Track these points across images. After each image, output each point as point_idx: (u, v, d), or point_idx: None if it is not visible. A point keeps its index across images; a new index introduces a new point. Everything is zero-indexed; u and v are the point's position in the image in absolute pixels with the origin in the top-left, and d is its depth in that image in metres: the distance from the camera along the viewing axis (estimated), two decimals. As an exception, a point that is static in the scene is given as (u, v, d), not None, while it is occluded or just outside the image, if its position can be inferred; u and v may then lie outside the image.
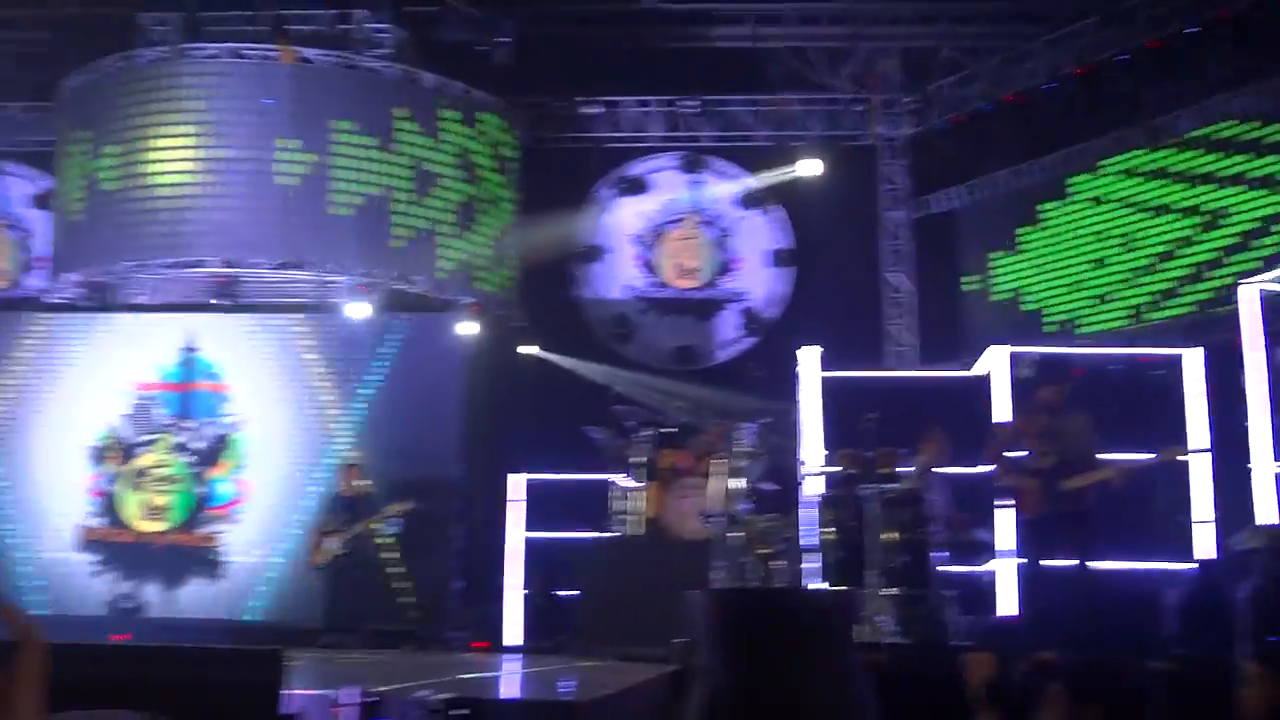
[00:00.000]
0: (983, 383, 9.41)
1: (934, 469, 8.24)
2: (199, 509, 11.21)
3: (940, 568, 7.94)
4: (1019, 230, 12.04)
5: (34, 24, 12.25)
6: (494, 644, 9.75)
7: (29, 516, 11.21)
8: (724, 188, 12.96)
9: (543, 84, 12.49)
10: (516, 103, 12.30)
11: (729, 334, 12.75)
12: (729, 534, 8.72)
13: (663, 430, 10.08)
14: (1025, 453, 7.40)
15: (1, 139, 12.80)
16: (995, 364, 9.41)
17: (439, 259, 11.64)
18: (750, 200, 12.88)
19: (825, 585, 8.02)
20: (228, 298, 11.84)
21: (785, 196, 12.64)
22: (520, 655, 9.07)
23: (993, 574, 8.81)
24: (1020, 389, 8.95)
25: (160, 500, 11.29)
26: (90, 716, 0.83)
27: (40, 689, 1.16)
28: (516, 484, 10.42)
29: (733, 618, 2.86)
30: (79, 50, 11.71)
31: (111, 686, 2.93)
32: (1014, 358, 9.34)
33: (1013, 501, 7.66)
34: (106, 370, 11.49)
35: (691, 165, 13.06)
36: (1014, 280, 12.04)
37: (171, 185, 11.22)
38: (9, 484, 11.25)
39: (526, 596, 10.25)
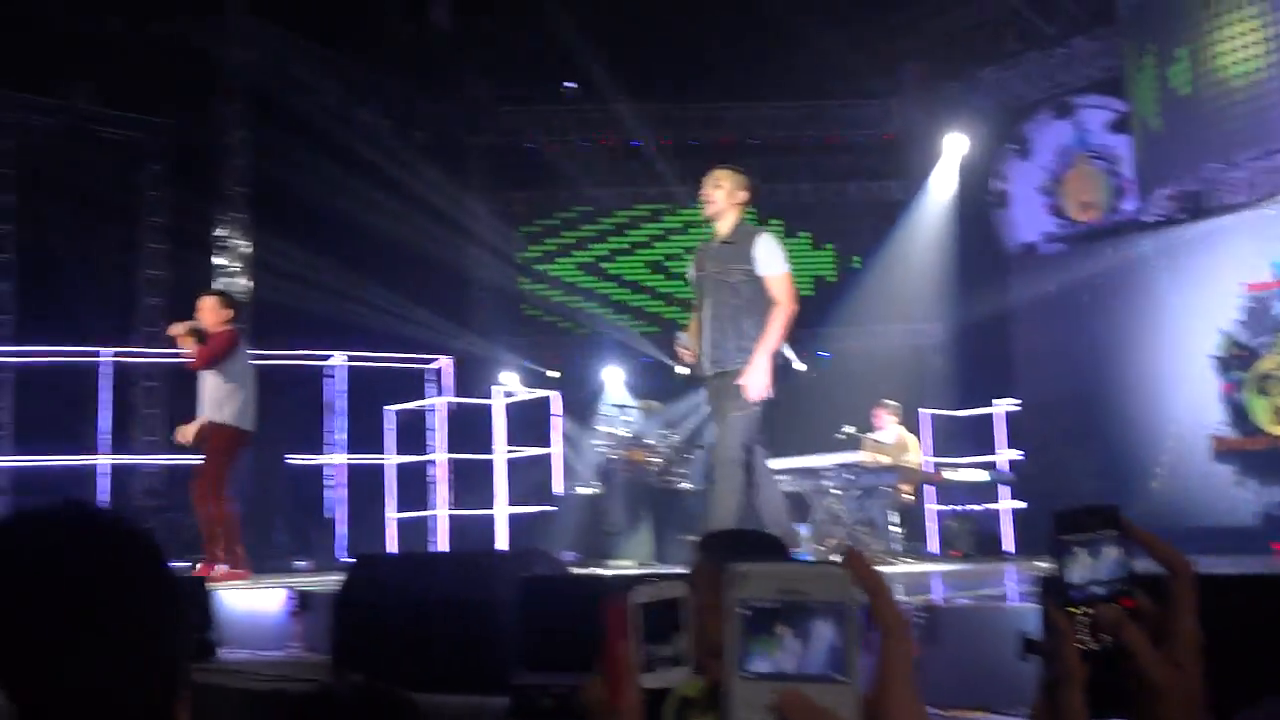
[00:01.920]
0: None
1: None
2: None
3: None
4: None
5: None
6: None
7: (1156, 432, 11.45)
8: None
9: None
10: None
11: None
12: None
13: None
14: None
15: (1075, 74, 13.26)
16: None
17: None
18: None
19: None
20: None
21: None
22: None
23: None
24: None
25: (1289, 402, 10.70)
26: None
27: (1195, 619, 1.20)
28: None
29: None
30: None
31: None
32: None
33: None
34: (1213, 276, 11.25)
35: None
36: None
37: (1243, 74, 10.63)
38: (1138, 402, 11.60)
39: None
